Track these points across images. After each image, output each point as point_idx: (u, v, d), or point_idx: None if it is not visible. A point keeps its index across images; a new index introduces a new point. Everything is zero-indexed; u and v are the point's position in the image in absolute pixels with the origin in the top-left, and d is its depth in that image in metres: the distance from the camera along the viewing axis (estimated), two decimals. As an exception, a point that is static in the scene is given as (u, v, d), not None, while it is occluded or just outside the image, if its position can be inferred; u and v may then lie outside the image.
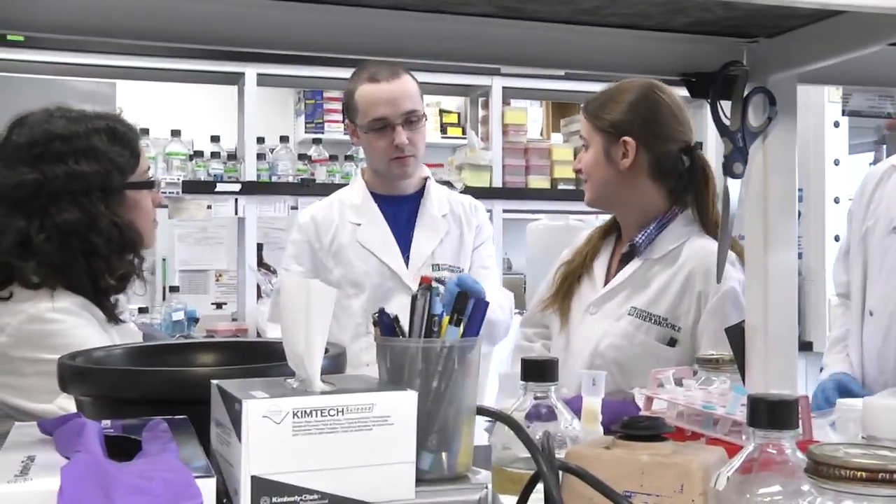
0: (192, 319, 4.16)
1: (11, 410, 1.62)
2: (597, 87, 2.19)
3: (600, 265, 2.13)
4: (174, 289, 4.45)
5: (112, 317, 1.77)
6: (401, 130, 2.50)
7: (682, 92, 2.05)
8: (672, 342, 1.96)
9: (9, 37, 3.49)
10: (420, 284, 1.03)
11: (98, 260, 1.72)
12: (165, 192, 3.62)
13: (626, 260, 2.08)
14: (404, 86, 2.52)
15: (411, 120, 2.53)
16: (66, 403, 1.37)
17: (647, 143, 2.03)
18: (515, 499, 1.03)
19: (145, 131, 3.42)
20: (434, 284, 1.02)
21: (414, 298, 1.02)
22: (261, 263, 4.32)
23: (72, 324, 1.66)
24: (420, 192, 2.67)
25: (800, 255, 1.43)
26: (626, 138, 2.02)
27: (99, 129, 1.77)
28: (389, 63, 2.49)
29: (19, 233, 1.67)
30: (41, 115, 1.78)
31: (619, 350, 1.98)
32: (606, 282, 2.09)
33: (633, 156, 2.02)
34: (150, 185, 1.84)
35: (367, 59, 2.43)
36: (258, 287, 4.14)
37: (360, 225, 2.61)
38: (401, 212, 2.64)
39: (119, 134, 1.79)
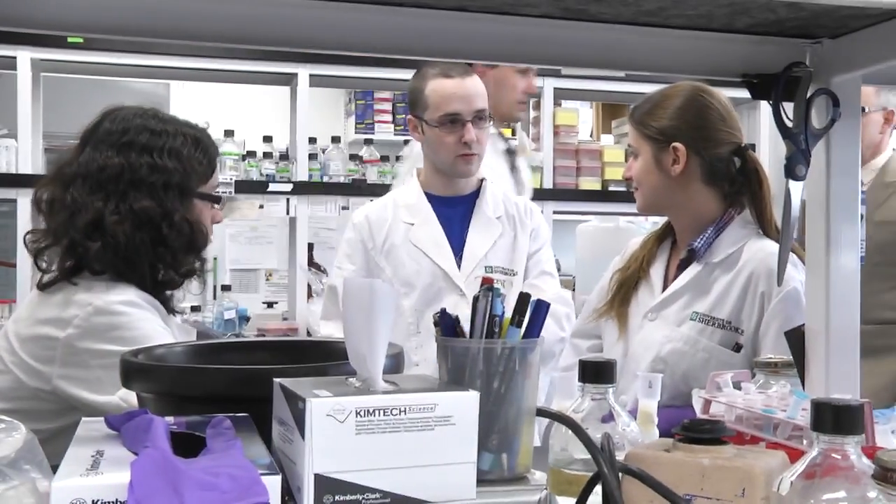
0: (244, 318, 4.20)
1: (76, 402, 1.65)
2: (649, 89, 2.18)
3: (657, 271, 2.11)
4: (226, 287, 4.49)
5: (169, 308, 1.83)
6: (471, 127, 2.51)
7: (730, 93, 2.05)
8: (737, 347, 1.94)
9: (69, 39, 3.56)
10: (482, 285, 1.04)
11: (165, 252, 1.77)
12: (218, 193, 3.66)
13: (684, 265, 2.06)
14: (476, 84, 2.54)
15: (480, 118, 2.54)
16: (129, 396, 1.40)
17: (697, 147, 2.01)
18: (573, 500, 1.03)
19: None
20: (497, 283, 1.03)
21: (475, 299, 1.03)
22: (311, 263, 4.35)
23: (137, 317, 1.69)
24: (475, 194, 2.66)
25: (862, 259, 1.41)
26: (676, 144, 2.01)
27: (186, 135, 1.84)
28: (457, 62, 2.50)
29: (95, 213, 1.74)
30: (136, 110, 1.86)
31: (683, 356, 1.96)
32: (664, 287, 2.07)
33: (684, 162, 2.01)
34: (216, 199, 1.90)
35: (425, 60, 2.44)
36: (309, 287, 4.17)
37: (413, 225, 2.61)
38: (455, 212, 2.64)
39: (202, 143, 1.87)
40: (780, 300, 1.90)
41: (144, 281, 1.77)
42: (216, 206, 1.92)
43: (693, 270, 2.03)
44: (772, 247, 1.93)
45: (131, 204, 1.75)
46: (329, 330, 2.59)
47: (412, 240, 2.58)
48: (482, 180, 2.68)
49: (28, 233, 1.84)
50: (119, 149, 1.78)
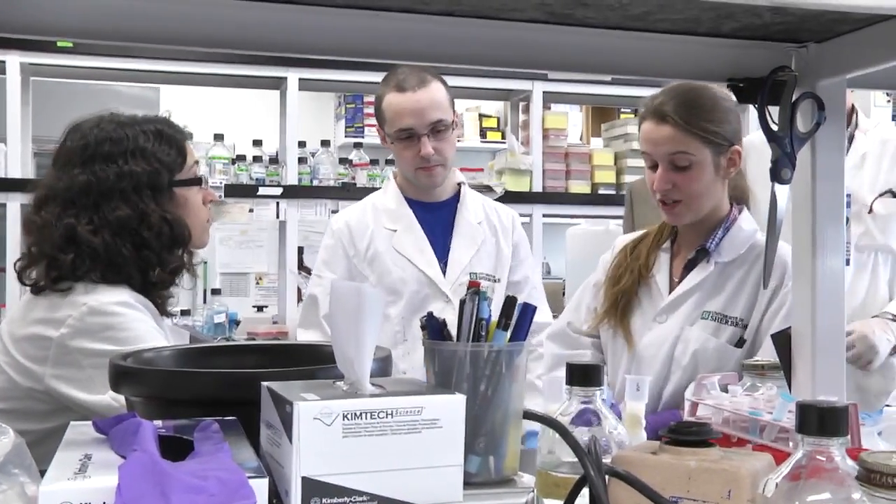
0: (234, 322, 4.21)
1: (68, 402, 1.65)
2: (640, 92, 2.17)
3: (662, 275, 2.08)
4: (216, 291, 4.49)
5: (163, 310, 1.83)
6: (426, 141, 2.46)
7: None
8: (741, 343, 1.94)
9: (59, 43, 3.55)
10: (468, 288, 1.04)
11: (149, 253, 1.78)
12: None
13: (691, 265, 2.05)
14: (431, 95, 2.47)
15: (438, 129, 2.48)
16: (120, 396, 1.40)
17: (737, 145, 2.00)
18: (560, 503, 1.04)
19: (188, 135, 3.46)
20: (483, 288, 1.03)
21: (462, 303, 1.03)
22: (301, 267, 4.35)
23: (131, 317, 1.70)
24: (455, 199, 2.64)
25: (847, 262, 1.42)
26: (737, 147, 1.98)
27: (146, 131, 1.84)
28: (419, 68, 2.46)
29: (67, 229, 1.75)
30: (93, 121, 1.86)
31: (695, 354, 1.96)
32: (671, 290, 2.06)
33: (738, 163, 1.99)
34: (197, 181, 1.89)
35: (409, 64, 2.42)
36: (299, 290, 4.17)
37: (395, 231, 2.57)
38: (436, 218, 2.60)
39: (165, 135, 1.86)
40: (784, 295, 1.89)
41: (134, 283, 1.77)
42: (203, 186, 1.91)
43: (703, 270, 2.02)
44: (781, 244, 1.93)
45: (106, 215, 1.75)
46: (307, 337, 2.54)
47: (396, 247, 2.55)
48: (460, 184, 2.65)
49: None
50: (83, 164, 1.79)
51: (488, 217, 2.64)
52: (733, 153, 1.98)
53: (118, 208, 1.76)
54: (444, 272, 2.54)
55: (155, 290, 1.82)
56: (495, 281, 2.57)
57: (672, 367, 1.97)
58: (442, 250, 2.57)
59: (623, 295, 2.10)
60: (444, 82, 2.52)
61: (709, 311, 1.98)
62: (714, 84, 2.01)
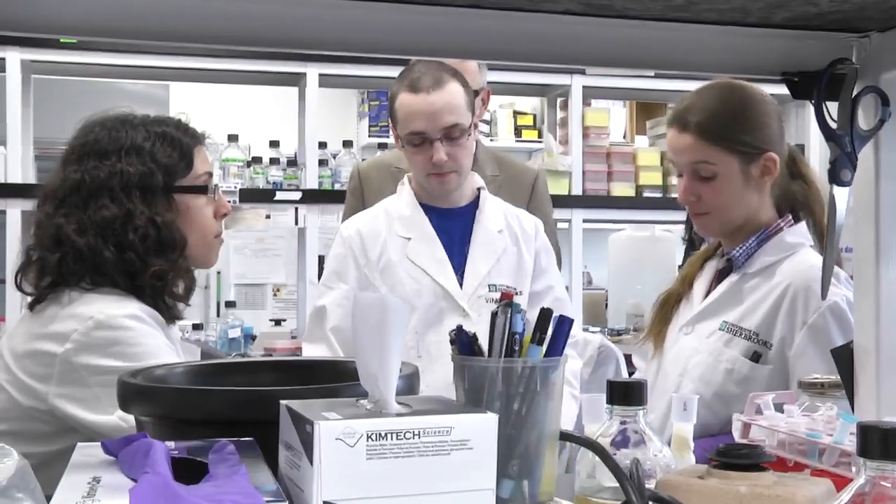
0: (249, 336, 4.23)
1: (73, 422, 1.67)
2: (687, 86, 2.16)
3: (701, 285, 2.11)
4: (230, 304, 4.53)
5: (168, 316, 1.84)
6: (439, 146, 2.45)
7: (771, 89, 2.00)
8: (756, 357, 1.93)
9: (62, 40, 3.61)
10: (500, 300, 1.05)
11: (133, 256, 1.79)
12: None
13: (722, 276, 2.07)
14: (446, 97, 2.45)
15: (452, 136, 2.46)
16: (128, 416, 1.42)
17: (779, 153, 1.98)
18: (601, 531, 1.04)
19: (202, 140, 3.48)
20: (514, 300, 1.04)
21: (494, 315, 1.04)
22: (321, 277, 4.38)
23: (141, 332, 1.72)
24: (474, 205, 2.63)
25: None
26: (771, 154, 1.96)
27: (150, 132, 1.86)
28: (437, 65, 2.46)
29: (56, 228, 1.78)
30: (101, 118, 1.90)
31: (706, 368, 1.97)
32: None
33: (776, 171, 1.97)
34: (201, 189, 1.89)
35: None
36: (319, 302, 4.19)
37: (409, 239, 2.56)
38: (454, 226, 2.59)
39: (170, 137, 1.88)
40: (819, 317, 1.89)
41: (123, 287, 1.79)
42: (213, 196, 1.93)
43: (730, 281, 2.04)
44: (815, 259, 1.92)
45: (92, 214, 1.78)
46: (311, 353, 2.53)
47: (410, 256, 2.54)
48: (479, 189, 2.65)
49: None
50: (78, 161, 1.83)
51: (509, 225, 2.64)
52: (767, 160, 1.96)
53: (104, 207, 1.78)
54: (460, 284, 2.54)
55: (147, 297, 1.83)
56: (517, 293, 2.56)
57: (685, 381, 1.99)
58: (459, 261, 2.56)
59: (667, 303, 2.15)
60: (462, 81, 2.51)
61: (726, 321, 1.99)
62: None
